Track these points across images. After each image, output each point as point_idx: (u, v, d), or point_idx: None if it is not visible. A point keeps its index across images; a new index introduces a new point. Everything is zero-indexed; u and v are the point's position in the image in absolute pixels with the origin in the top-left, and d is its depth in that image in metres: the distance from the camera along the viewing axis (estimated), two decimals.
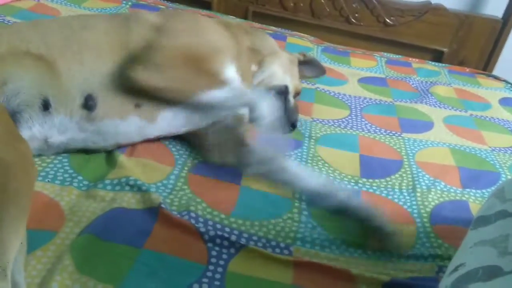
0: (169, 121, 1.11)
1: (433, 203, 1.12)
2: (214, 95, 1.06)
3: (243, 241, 0.90)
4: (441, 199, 1.15)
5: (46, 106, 0.98)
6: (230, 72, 1.21)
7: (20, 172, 0.71)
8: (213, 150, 1.14)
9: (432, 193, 1.16)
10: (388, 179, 1.20)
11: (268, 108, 1.07)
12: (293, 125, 1.31)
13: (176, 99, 1.07)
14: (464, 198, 1.17)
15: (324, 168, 1.19)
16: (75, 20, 1.16)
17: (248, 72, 1.31)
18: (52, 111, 0.99)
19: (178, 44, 1.12)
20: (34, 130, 0.98)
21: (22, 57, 0.98)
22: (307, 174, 1.07)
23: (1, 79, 0.94)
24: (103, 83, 1.03)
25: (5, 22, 1.61)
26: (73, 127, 1.02)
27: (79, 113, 1.01)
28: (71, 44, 1.05)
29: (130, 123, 1.07)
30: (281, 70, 1.38)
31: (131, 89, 1.04)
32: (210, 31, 1.25)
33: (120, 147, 1.10)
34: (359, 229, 0.99)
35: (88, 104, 1.01)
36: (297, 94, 1.44)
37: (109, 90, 1.04)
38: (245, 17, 2.27)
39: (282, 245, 0.92)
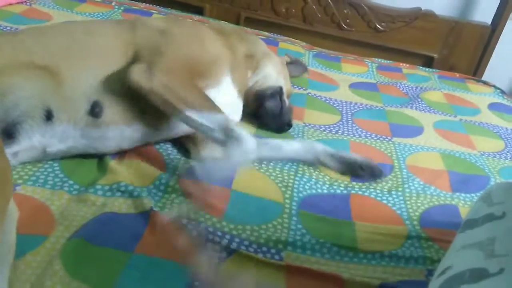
0: (174, 125, 1.11)
1: (422, 207, 1.13)
2: (202, 117, 1.01)
3: (234, 245, 0.90)
4: (431, 203, 1.16)
5: (49, 116, 0.97)
6: (226, 83, 1.22)
7: None
8: None
9: (422, 197, 1.17)
10: (378, 181, 1.20)
11: (249, 146, 1.03)
12: (288, 124, 1.34)
13: (165, 109, 1.03)
14: (454, 202, 1.18)
15: (315, 173, 1.19)
16: (78, 27, 1.15)
17: (244, 81, 1.32)
18: (55, 121, 0.97)
19: (180, 53, 1.12)
20: (34, 140, 0.97)
21: (24, 69, 0.97)
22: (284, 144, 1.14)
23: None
24: (110, 89, 1.02)
25: None
26: (75, 135, 1.01)
27: (84, 121, 1.00)
28: (77, 52, 1.04)
29: (135, 129, 1.06)
30: (275, 72, 1.40)
31: (131, 89, 1.02)
32: (210, 42, 1.25)
33: (120, 152, 1.09)
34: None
35: (95, 111, 1.00)
36: (288, 96, 1.46)
37: (116, 96, 1.03)
38: (237, 22, 2.28)
39: (273, 250, 0.92)
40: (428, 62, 2.28)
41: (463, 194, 1.21)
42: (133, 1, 2.18)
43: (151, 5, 2.20)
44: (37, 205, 0.91)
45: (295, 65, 1.67)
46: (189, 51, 1.16)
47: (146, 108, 1.05)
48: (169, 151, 1.16)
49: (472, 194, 1.22)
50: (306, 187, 1.13)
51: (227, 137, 1.01)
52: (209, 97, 1.07)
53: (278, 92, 1.36)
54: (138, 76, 1.01)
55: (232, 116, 1.21)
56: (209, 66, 1.17)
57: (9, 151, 0.94)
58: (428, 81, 1.99)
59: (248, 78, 1.35)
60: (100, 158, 1.08)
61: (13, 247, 0.77)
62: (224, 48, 1.26)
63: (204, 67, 1.16)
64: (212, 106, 1.04)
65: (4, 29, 1.60)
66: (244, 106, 1.33)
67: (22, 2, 1.86)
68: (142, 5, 2.16)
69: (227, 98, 1.22)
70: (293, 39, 2.16)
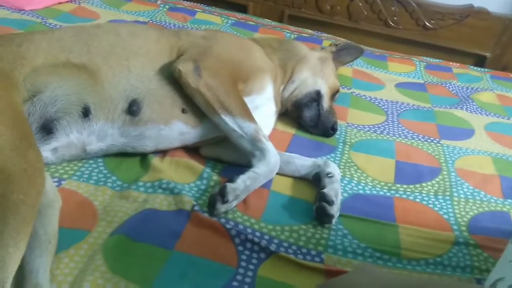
0: (210, 128, 1.11)
1: (471, 213, 1.08)
2: (235, 123, 1.06)
3: (273, 246, 0.89)
4: (481, 209, 1.10)
5: (86, 113, 0.99)
6: (269, 92, 1.24)
7: (24, 183, 0.70)
8: None
9: (471, 202, 1.12)
10: (424, 185, 1.16)
11: (272, 160, 1.05)
12: (333, 129, 1.31)
13: (203, 108, 1.07)
14: (505, 209, 1.12)
15: (356, 174, 1.17)
16: (122, 27, 1.18)
17: (278, 94, 1.31)
18: (92, 118, 0.99)
19: (225, 55, 1.15)
20: (72, 136, 0.98)
21: (61, 67, 0.98)
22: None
23: (36, 88, 0.94)
24: (150, 88, 1.05)
25: (47, 24, 1.66)
26: (114, 133, 1.02)
27: (122, 118, 1.02)
28: (118, 51, 1.06)
29: (173, 128, 1.07)
30: (311, 75, 1.36)
31: (174, 86, 1.07)
32: (254, 49, 1.28)
33: (157, 152, 1.10)
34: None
35: (132, 109, 1.02)
36: (335, 93, 1.41)
37: (156, 95, 1.05)
38: (280, 20, 2.27)
39: (313, 252, 0.91)
40: (480, 62, 2.19)
41: None
42: (178, 0, 2.21)
43: (195, 3, 2.22)
44: (81, 200, 0.93)
45: (346, 51, 1.59)
46: (233, 55, 1.19)
47: (184, 107, 1.08)
48: None
49: None
50: (347, 188, 1.11)
51: (254, 147, 1.05)
52: (247, 105, 1.10)
53: (314, 99, 1.33)
54: (186, 70, 1.06)
55: (267, 123, 1.24)
56: (253, 72, 1.19)
57: (48, 147, 0.96)
58: (479, 82, 1.91)
59: (282, 89, 1.34)
60: (143, 155, 1.09)
61: (55, 238, 0.78)
62: (267, 59, 1.29)
63: (248, 72, 1.18)
64: (247, 115, 1.08)
65: (54, 28, 1.64)
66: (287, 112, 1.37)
67: (70, 1, 1.92)
68: (187, 4, 2.19)
69: (270, 106, 1.25)
70: (338, 37, 2.12)
